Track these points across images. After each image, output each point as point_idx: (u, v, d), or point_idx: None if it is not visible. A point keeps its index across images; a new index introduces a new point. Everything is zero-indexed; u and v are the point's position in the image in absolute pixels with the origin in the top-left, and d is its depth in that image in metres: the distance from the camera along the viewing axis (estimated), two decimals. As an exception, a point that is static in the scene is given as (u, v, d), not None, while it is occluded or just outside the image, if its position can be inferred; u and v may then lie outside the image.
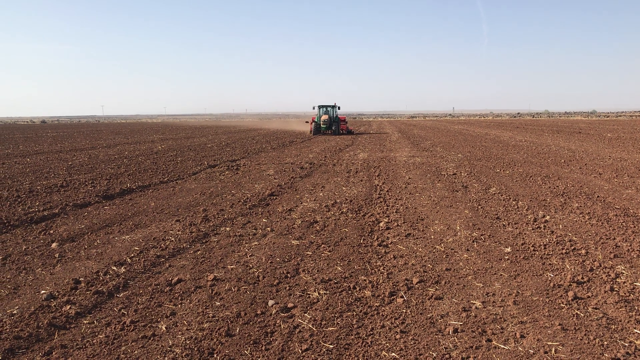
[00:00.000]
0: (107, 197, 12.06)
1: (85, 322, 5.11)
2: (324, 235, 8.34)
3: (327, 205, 10.72)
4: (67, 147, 30.91)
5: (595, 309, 5.25)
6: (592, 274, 6.24)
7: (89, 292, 5.82)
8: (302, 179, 15.02)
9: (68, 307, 5.40)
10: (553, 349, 4.39)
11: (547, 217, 9.18)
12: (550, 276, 6.18)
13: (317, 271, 6.55)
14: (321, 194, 12.25)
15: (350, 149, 27.14)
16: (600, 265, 6.52)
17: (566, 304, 5.36)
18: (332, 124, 42.54)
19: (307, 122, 48.81)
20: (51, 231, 8.78)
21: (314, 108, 44.59)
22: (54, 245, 7.87)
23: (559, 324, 4.84)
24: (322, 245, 7.71)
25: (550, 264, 6.64)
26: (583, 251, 7.13)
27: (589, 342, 4.51)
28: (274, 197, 11.92)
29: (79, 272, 6.61)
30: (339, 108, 44.20)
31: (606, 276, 6.13)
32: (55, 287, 6.02)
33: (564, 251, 7.16)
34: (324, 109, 44.42)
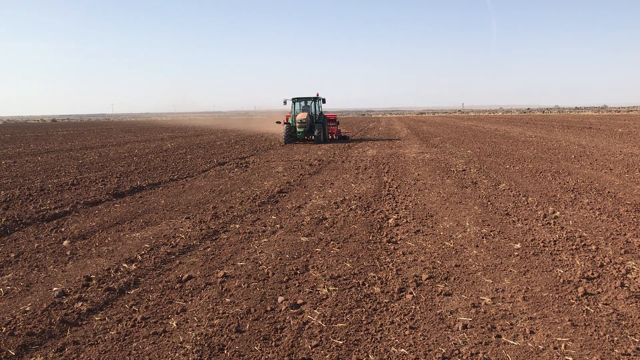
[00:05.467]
0: (117, 195, 12.14)
1: (96, 318, 5.16)
2: (333, 232, 8.35)
3: (336, 202, 10.73)
4: (78, 145, 31.11)
5: (606, 304, 5.23)
6: (602, 270, 6.21)
7: (100, 289, 5.87)
8: (311, 176, 15.04)
9: (80, 304, 5.46)
10: (563, 345, 4.38)
11: (557, 213, 9.14)
12: (560, 272, 6.16)
13: (327, 268, 6.56)
14: (330, 191, 12.27)
15: (359, 145, 27.13)
16: (611, 261, 6.49)
17: (576, 300, 5.35)
18: (313, 126, 29.22)
19: (278, 122, 33.86)
20: (62, 229, 8.86)
21: (285, 102, 30.36)
22: (65, 242, 7.94)
23: (569, 320, 4.83)
24: (331, 242, 7.72)
25: (560, 260, 6.62)
26: (593, 247, 7.09)
27: (599, 338, 4.50)
28: (283, 194, 11.95)
29: (90, 269, 6.66)
30: (323, 101, 30.30)
31: (617, 272, 6.10)
32: (67, 284, 6.08)
33: (574, 247, 7.14)
34: (302, 103, 30.51)
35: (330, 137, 32.00)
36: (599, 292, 5.55)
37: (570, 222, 8.56)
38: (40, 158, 22.44)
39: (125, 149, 27.04)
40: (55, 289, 5.94)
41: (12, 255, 7.32)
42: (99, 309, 5.40)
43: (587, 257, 6.68)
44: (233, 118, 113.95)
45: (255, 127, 55.13)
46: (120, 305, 5.50)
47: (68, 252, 7.42)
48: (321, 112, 30.58)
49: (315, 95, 30.19)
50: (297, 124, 28.71)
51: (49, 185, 13.60)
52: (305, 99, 30.39)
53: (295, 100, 30.46)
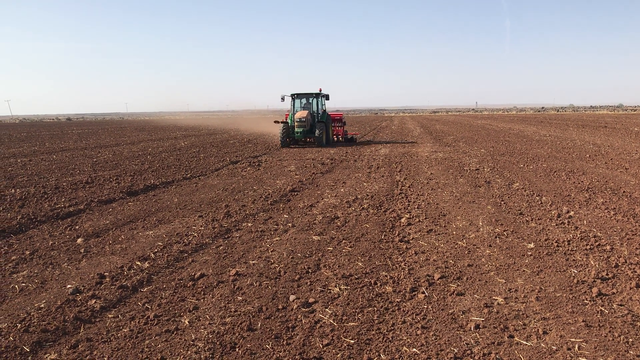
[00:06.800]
0: (131, 194, 12.22)
1: (110, 316, 5.20)
2: (345, 230, 8.34)
3: (348, 201, 10.72)
4: (92, 144, 31.36)
5: (620, 305, 5.17)
6: (617, 270, 6.14)
7: (113, 287, 5.91)
8: (323, 175, 15.04)
9: (93, 301, 5.50)
10: (576, 346, 4.34)
11: (572, 213, 9.06)
12: (574, 272, 6.11)
13: (338, 266, 6.56)
14: (342, 190, 12.26)
15: (371, 144, 27.09)
16: (626, 262, 6.42)
17: (590, 301, 5.29)
18: (314, 126, 26.03)
19: (276, 121, 29.48)
20: (77, 227, 8.94)
21: (283, 99, 27.00)
22: (79, 240, 8.01)
23: (583, 321, 4.79)
24: (343, 241, 7.72)
25: (574, 260, 6.56)
26: (608, 247, 7.02)
27: (613, 339, 4.45)
28: (295, 193, 11.96)
29: (104, 267, 6.71)
30: (326, 98, 27.41)
31: (632, 272, 6.03)
32: (80, 282, 6.13)
33: (588, 247, 7.07)
34: (302, 100, 27.29)
35: (335, 138, 28.95)
36: (613, 293, 5.49)
37: (585, 221, 8.48)
38: (55, 156, 22.65)
39: (139, 148, 27.21)
40: (69, 286, 5.99)
41: (27, 252, 7.40)
42: (112, 306, 5.44)
43: (601, 258, 6.62)
44: (246, 117, 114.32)
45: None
46: (133, 302, 5.53)
47: (82, 250, 7.48)
48: (324, 110, 27.35)
49: (317, 91, 26.71)
50: (296, 124, 25.45)
51: (64, 184, 13.73)
52: (307, 96, 26.99)
53: (294, 96, 27.06)
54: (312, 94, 26.72)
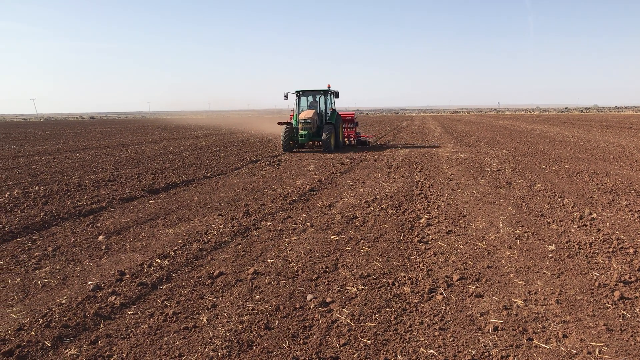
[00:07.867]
0: (152, 192, 12.34)
1: (129, 312, 5.26)
2: (363, 230, 8.32)
3: (367, 201, 10.70)
4: (115, 142, 31.74)
5: (643, 309, 5.08)
6: (640, 274, 6.04)
7: (133, 284, 5.98)
8: (343, 175, 15.02)
9: (113, 297, 5.57)
10: (597, 350, 4.27)
11: (594, 215, 8.92)
12: (595, 275, 6.01)
13: (356, 266, 6.54)
14: (361, 190, 12.23)
15: (390, 145, 26.97)
16: (650, 265, 6.30)
17: (612, 304, 5.21)
18: (321, 128, 22.93)
19: (280, 122, 25.20)
20: (98, 224, 9.05)
21: (286, 97, 23.57)
22: (100, 237, 8.11)
23: (604, 324, 4.71)
24: (362, 241, 7.70)
25: (595, 263, 6.46)
26: (631, 250, 6.90)
27: (635, 344, 4.38)
28: (314, 193, 11.96)
29: (124, 264, 6.79)
30: (336, 96, 24.33)
31: (655, 276, 5.93)
32: (101, 278, 6.21)
33: (610, 250, 6.96)
34: (308, 97, 24.23)
35: (346, 142, 26.19)
36: (636, 297, 5.39)
37: (608, 224, 8.35)
38: (78, 154, 22.98)
39: (160, 147, 27.47)
40: (90, 282, 6.08)
41: (50, 249, 7.51)
42: (132, 303, 5.50)
43: (624, 260, 6.51)
44: (266, 117, 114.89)
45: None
46: (152, 300, 5.59)
47: (103, 247, 7.58)
48: (333, 109, 24.16)
49: (326, 88, 23.59)
50: (300, 125, 22.38)
51: (86, 181, 13.92)
52: (313, 93, 23.74)
53: (299, 94, 23.87)
54: (319, 90, 23.54)
